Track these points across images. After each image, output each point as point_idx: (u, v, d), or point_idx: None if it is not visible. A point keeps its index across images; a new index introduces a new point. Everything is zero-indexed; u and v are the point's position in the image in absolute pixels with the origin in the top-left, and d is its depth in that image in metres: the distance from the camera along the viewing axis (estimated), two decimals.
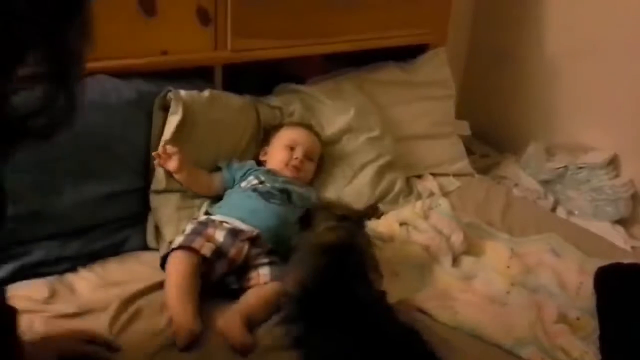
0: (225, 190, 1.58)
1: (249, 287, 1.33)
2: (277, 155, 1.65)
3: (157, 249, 1.47)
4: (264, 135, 1.74)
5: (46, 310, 1.22)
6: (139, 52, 1.58)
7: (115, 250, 1.45)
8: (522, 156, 2.22)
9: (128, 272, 1.38)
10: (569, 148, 2.15)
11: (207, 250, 1.32)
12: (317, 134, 1.75)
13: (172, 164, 1.49)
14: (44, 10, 0.59)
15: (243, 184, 1.56)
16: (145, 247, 1.49)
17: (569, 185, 2.07)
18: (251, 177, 1.57)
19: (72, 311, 1.23)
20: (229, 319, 1.23)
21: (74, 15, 0.63)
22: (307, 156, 1.66)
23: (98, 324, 1.20)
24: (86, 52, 0.65)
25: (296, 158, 1.63)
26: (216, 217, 1.45)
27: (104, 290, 1.30)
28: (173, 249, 1.33)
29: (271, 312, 1.28)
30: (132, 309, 1.26)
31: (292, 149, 1.65)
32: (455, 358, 1.22)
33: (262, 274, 1.35)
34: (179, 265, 1.29)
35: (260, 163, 1.68)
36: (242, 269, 1.36)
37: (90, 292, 1.30)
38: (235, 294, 1.32)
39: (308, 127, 1.75)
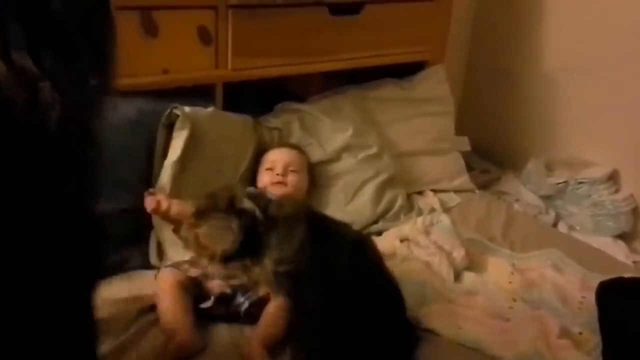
0: None
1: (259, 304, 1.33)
2: (262, 179, 1.67)
3: (159, 268, 1.47)
4: (255, 163, 1.75)
5: None
6: (140, 72, 1.58)
7: (117, 270, 1.45)
8: (522, 171, 2.22)
9: (130, 290, 1.38)
10: (568, 163, 2.15)
11: (193, 272, 1.35)
12: (296, 147, 1.76)
13: (163, 205, 1.46)
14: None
15: None
16: (147, 266, 1.49)
17: (570, 200, 2.07)
18: None
19: None
20: (252, 346, 1.23)
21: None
22: (287, 168, 1.66)
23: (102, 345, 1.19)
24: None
25: (277, 174, 1.64)
26: None
27: (106, 310, 1.30)
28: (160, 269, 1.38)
29: (284, 327, 1.28)
30: (135, 327, 1.26)
31: (272, 169, 1.67)
32: None
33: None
34: (165, 281, 1.33)
35: None
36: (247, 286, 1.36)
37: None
38: (247, 316, 1.32)
39: (286, 144, 1.77)
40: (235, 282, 1.34)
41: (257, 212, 1.29)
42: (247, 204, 1.28)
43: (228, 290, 1.34)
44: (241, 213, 1.28)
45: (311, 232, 1.30)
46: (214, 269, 1.33)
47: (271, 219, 1.30)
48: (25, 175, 0.60)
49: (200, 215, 1.32)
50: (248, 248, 1.29)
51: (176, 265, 1.39)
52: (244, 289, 1.34)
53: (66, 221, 0.63)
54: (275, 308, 1.30)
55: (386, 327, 1.24)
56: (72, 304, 0.68)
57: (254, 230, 1.28)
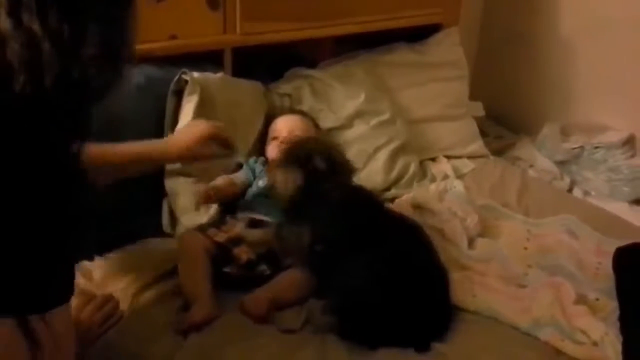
0: (245, 184, 1.57)
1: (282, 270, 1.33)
2: (270, 151, 1.65)
3: (172, 235, 1.47)
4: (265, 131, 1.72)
5: None
6: (148, 37, 1.56)
7: (130, 238, 1.45)
8: (537, 137, 2.19)
9: (144, 258, 1.38)
10: (584, 128, 2.12)
11: (220, 238, 1.34)
12: (299, 112, 1.74)
13: (213, 200, 1.49)
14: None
15: (261, 182, 1.55)
16: (161, 234, 1.49)
17: (585, 165, 2.04)
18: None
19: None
20: (255, 296, 1.24)
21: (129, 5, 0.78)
22: (291, 134, 1.63)
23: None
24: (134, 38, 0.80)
25: (281, 142, 1.62)
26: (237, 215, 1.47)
27: (120, 278, 1.31)
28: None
29: (301, 296, 1.28)
30: (148, 294, 1.27)
31: (277, 138, 1.65)
32: (474, 340, 1.21)
33: None
34: (190, 244, 1.33)
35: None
36: (272, 256, 1.35)
37: (107, 280, 1.30)
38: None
39: (289, 111, 1.75)
40: (262, 249, 1.33)
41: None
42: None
43: (253, 257, 1.33)
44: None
45: (364, 214, 1.32)
46: (244, 233, 1.35)
47: (325, 196, 1.32)
48: (20, 121, 0.71)
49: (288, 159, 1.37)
50: (291, 215, 1.32)
51: (201, 229, 1.38)
52: (270, 258, 1.33)
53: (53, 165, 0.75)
54: (293, 274, 1.30)
55: (433, 305, 1.26)
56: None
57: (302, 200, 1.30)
